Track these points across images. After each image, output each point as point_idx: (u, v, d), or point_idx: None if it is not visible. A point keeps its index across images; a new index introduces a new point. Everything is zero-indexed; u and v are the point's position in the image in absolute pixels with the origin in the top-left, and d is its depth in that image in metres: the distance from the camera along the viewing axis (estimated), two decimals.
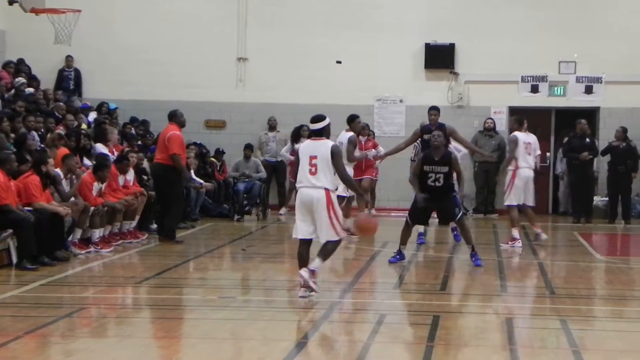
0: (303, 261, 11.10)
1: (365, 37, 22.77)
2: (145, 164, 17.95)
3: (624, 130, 21.47)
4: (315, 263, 11.03)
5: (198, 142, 21.46)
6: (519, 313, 11.04)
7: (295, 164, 11.45)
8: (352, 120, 17.05)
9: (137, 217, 16.41)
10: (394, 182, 22.06)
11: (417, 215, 13.90)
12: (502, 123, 22.58)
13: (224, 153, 21.97)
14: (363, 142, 20.70)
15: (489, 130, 22.43)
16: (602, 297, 12.33)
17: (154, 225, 16.90)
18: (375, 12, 22.87)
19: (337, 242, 11.10)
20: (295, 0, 23.08)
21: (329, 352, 8.89)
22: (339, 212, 11.10)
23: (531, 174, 16.30)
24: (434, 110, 17.25)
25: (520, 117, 16.94)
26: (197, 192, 19.60)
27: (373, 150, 18.65)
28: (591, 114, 22.54)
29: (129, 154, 17.02)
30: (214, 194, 20.64)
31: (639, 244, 18.97)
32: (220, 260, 15.33)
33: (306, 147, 11.01)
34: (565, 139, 21.83)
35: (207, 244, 16.72)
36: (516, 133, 16.38)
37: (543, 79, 22.75)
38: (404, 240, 14.07)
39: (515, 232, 16.08)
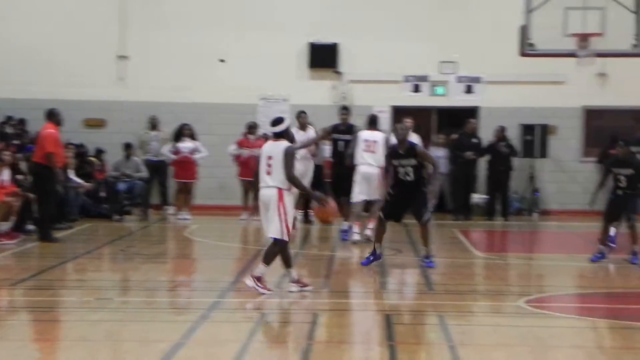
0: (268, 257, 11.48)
1: (249, 36, 22.71)
2: (24, 163, 17.55)
3: (503, 129, 21.87)
4: (259, 269, 11.39)
5: (76, 143, 21.09)
6: (398, 310, 11.12)
7: (257, 165, 11.67)
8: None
9: (13, 218, 16.03)
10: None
11: (389, 210, 13.55)
12: (385, 122, 22.75)
13: (104, 152, 21.65)
14: (252, 141, 20.68)
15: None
16: (480, 292, 12.52)
17: (32, 226, 16.53)
18: (259, 11, 22.83)
19: (281, 245, 11.34)
20: None
21: (207, 352, 8.81)
22: (290, 213, 11.30)
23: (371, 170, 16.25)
24: (344, 110, 17.37)
25: (373, 115, 17.01)
26: (76, 192, 19.26)
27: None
28: (471, 114, 22.90)
29: (1, 153, 16.61)
30: (93, 193, 20.30)
31: (516, 241, 19.36)
32: (100, 261, 15.08)
33: (266, 147, 11.45)
34: (455, 137, 22.10)
35: (85, 245, 16.42)
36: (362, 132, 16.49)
37: (424, 78, 23.03)
38: (378, 238, 13.68)
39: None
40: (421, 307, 11.28)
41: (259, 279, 11.35)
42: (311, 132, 18.08)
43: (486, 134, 22.40)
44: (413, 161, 13.25)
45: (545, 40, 18.06)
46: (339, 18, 22.79)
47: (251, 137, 20.76)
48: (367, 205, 16.43)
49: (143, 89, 22.65)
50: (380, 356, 8.70)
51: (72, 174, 19.29)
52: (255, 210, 20.35)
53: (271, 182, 11.23)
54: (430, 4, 22.78)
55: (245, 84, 22.65)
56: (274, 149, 11.28)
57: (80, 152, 20.59)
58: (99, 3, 22.82)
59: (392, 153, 13.46)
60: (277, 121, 11.51)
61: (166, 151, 20.97)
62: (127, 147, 21.12)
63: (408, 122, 17.01)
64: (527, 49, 18.21)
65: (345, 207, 17.00)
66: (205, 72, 22.71)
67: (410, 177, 13.26)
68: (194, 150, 20.75)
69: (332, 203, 11.90)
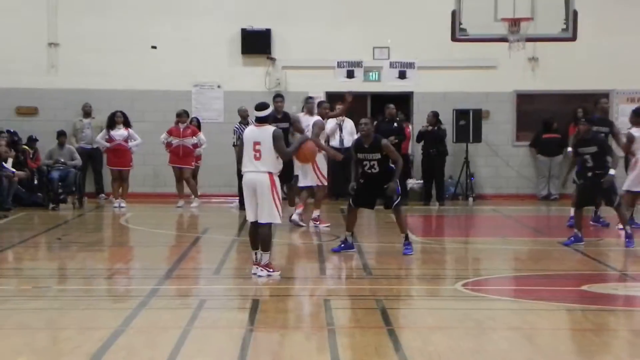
0: (254, 241, 11.74)
1: (181, 22, 22.61)
2: None
3: (435, 114, 22.03)
4: (264, 258, 11.65)
5: (11, 130, 20.85)
6: (338, 295, 11.20)
7: (240, 149, 11.84)
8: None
9: None
10: (216, 169, 22.04)
11: (359, 199, 13.55)
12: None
13: (37, 140, 21.38)
14: (182, 129, 20.61)
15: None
16: (417, 276, 12.65)
17: None
18: None
19: (270, 230, 11.68)
20: None
21: (146, 339, 8.79)
22: (280, 196, 11.65)
23: None
24: (279, 97, 17.30)
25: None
26: (10, 181, 19.03)
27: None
28: (405, 99, 23.05)
29: None
30: (27, 182, 20.09)
31: (452, 225, 19.58)
32: (36, 250, 14.94)
33: (250, 132, 11.59)
34: (374, 123, 22.17)
35: (21, 234, 16.27)
36: None
37: (358, 64, 23.11)
38: (349, 227, 13.76)
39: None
40: (360, 291, 11.36)
41: (268, 266, 11.65)
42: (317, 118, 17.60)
43: (420, 119, 22.58)
44: (378, 155, 13.34)
45: (476, 25, 18.25)
46: (272, 4, 22.79)
47: (181, 125, 20.69)
48: (312, 190, 16.60)
49: (75, 76, 22.44)
50: (321, 341, 8.76)
51: (4, 164, 19.06)
52: (187, 196, 20.54)
53: (262, 167, 11.46)
54: None
55: (178, 71, 22.58)
56: (261, 134, 11.49)
57: (12, 140, 20.32)
58: None
59: (357, 147, 13.50)
60: (262, 106, 11.69)
61: (100, 139, 20.84)
62: (60, 135, 20.89)
63: (392, 108, 17.10)
64: (458, 34, 18.38)
65: (289, 193, 17.11)
66: (137, 58, 22.56)
67: (376, 169, 13.38)
68: (127, 138, 20.64)
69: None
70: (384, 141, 13.47)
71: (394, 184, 13.36)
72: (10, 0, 22.40)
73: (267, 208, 11.48)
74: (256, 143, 11.47)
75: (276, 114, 16.72)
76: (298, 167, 16.29)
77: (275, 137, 11.48)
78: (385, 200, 13.56)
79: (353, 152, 13.64)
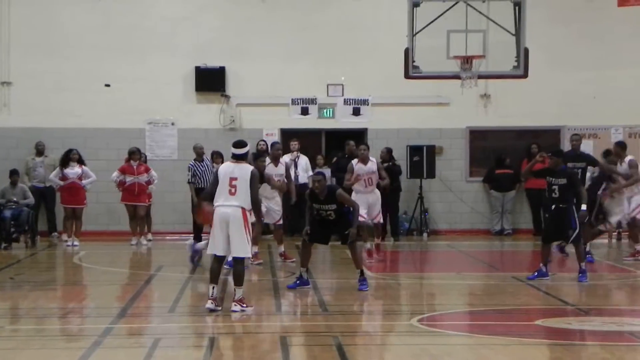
0: (215, 276, 11.86)
1: (135, 60, 22.59)
2: None
3: (389, 150, 22.12)
4: (238, 293, 11.80)
5: None
6: (294, 331, 11.16)
7: (213, 184, 11.96)
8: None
9: None
10: (169, 206, 21.99)
11: (314, 235, 13.58)
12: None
13: None
14: (135, 167, 20.54)
15: (262, 153, 22.61)
16: (373, 312, 12.66)
17: None
18: (144, 34, 22.72)
19: (243, 264, 11.92)
20: (60, 23, 22.58)
21: None
22: (251, 232, 11.94)
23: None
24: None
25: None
26: None
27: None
28: (360, 135, 23.14)
29: None
30: None
31: (407, 261, 19.63)
32: None
33: (227, 168, 11.84)
34: (334, 159, 22.31)
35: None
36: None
37: (312, 101, 23.20)
38: (303, 263, 13.82)
39: None
40: (316, 327, 11.34)
41: (241, 301, 11.77)
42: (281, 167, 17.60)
43: (374, 156, 22.58)
44: (334, 205, 13.45)
45: (429, 62, 18.38)
46: (225, 42, 22.84)
47: (133, 163, 20.64)
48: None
49: (28, 115, 22.34)
50: None
51: None
52: (141, 234, 20.44)
53: (236, 202, 11.65)
54: (316, 27, 22.95)
55: (132, 108, 22.55)
56: (239, 171, 11.74)
57: None
58: None
59: (312, 197, 13.56)
60: (241, 144, 11.99)
61: (53, 177, 20.70)
62: (13, 173, 20.69)
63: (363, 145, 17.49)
64: (412, 72, 18.49)
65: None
66: (91, 96, 22.50)
67: (333, 217, 13.51)
68: (81, 176, 20.54)
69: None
70: (339, 192, 13.59)
71: (354, 230, 13.43)
72: None
73: (240, 243, 11.67)
74: (232, 179, 11.69)
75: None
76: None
77: (252, 177, 11.76)
78: (341, 237, 13.61)
79: (308, 200, 13.68)
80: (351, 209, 13.59)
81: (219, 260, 11.95)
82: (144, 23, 22.78)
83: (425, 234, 22.46)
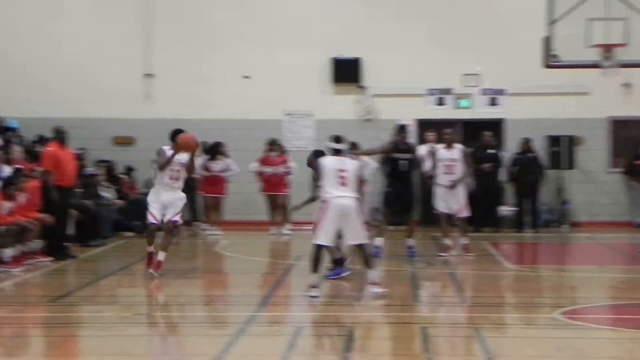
0: (317, 264, 12.19)
1: (273, 52, 22.86)
2: None
3: (528, 141, 21.91)
4: (373, 274, 12.24)
5: (107, 160, 21.32)
6: (433, 322, 11.17)
7: (319, 177, 12.36)
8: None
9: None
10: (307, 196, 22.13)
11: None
12: (410, 136, 22.80)
13: (134, 170, 21.80)
14: (274, 158, 20.83)
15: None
16: (513, 305, 12.57)
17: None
18: (282, 26, 22.99)
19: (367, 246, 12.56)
20: (200, 16, 23.05)
21: None
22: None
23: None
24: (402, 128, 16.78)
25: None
26: (108, 208, 19.41)
27: None
28: (496, 126, 22.95)
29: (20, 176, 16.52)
30: (125, 210, 20.45)
31: (546, 252, 19.38)
32: (133, 277, 15.19)
33: (332, 163, 12.28)
34: (470, 151, 22.15)
35: (119, 262, 16.57)
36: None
37: (448, 91, 23.09)
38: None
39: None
40: (455, 319, 11.33)
41: (375, 283, 12.16)
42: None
43: (512, 146, 22.46)
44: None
45: (568, 51, 18.13)
46: (362, 32, 22.92)
47: (272, 153, 20.90)
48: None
49: (170, 106, 22.83)
50: None
51: (104, 191, 19.46)
52: (280, 224, 20.71)
53: (349, 193, 12.06)
54: (453, 16, 22.85)
55: (270, 100, 22.81)
56: (345, 164, 12.26)
57: (109, 168, 20.75)
58: (125, 23, 23.02)
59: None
60: (340, 139, 12.60)
61: (197, 166, 20.94)
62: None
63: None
64: (550, 61, 18.28)
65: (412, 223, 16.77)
66: (230, 88, 22.87)
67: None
68: (225, 169, 20.85)
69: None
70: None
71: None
72: (107, 33, 22.92)
73: (357, 229, 12.10)
74: (340, 170, 12.11)
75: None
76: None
77: (358, 170, 12.46)
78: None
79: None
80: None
81: (324, 249, 12.36)
82: (282, 15, 23.05)
83: (564, 226, 22.12)
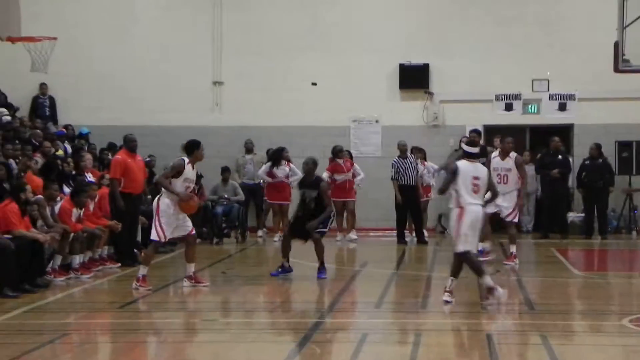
0: (459, 270, 12.21)
1: (340, 58, 22.94)
2: None
3: (598, 146, 21.67)
4: (487, 280, 12.01)
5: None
6: (499, 329, 11.10)
7: (449, 181, 12.12)
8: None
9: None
10: (373, 202, 22.17)
11: (296, 229, 14.75)
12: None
13: (202, 177, 21.95)
14: (342, 163, 20.84)
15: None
16: (581, 312, 12.44)
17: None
18: (349, 33, 23.06)
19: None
20: (269, 24, 23.23)
21: None
22: None
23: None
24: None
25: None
26: None
27: None
28: (565, 131, 22.74)
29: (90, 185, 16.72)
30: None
31: (615, 259, 19.13)
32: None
33: (466, 167, 12.08)
34: (539, 156, 22.03)
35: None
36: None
37: (517, 97, 22.95)
38: (284, 254, 14.90)
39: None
40: (522, 326, 11.24)
41: (490, 290, 11.94)
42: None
43: (581, 152, 22.22)
44: (315, 193, 14.49)
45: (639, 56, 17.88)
46: (429, 38, 22.91)
47: (339, 160, 20.88)
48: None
49: (237, 114, 23.03)
50: None
51: None
52: (347, 230, 20.72)
53: (480, 200, 12.15)
54: (518, 22, 22.72)
55: (337, 106, 22.88)
56: (478, 171, 12.17)
57: None
58: (193, 31, 23.31)
59: (302, 182, 15.04)
60: (475, 143, 12.83)
61: (262, 173, 21.04)
62: (225, 171, 21.41)
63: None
64: (621, 65, 18.03)
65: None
66: (297, 95, 22.98)
67: (312, 206, 14.54)
68: (288, 175, 20.89)
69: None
70: (323, 184, 14.71)
71: (315, 223, 14.45)
72: (178, 42, 23.21)
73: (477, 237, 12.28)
74: (475, 177, 12.05)
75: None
76: None
77: (489, 175, 12.48)
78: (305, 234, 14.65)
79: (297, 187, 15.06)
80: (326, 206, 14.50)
81: (470, 254, 12.15)
82: (348, 22, 23.13)
83: (634, 232, 21.83)
